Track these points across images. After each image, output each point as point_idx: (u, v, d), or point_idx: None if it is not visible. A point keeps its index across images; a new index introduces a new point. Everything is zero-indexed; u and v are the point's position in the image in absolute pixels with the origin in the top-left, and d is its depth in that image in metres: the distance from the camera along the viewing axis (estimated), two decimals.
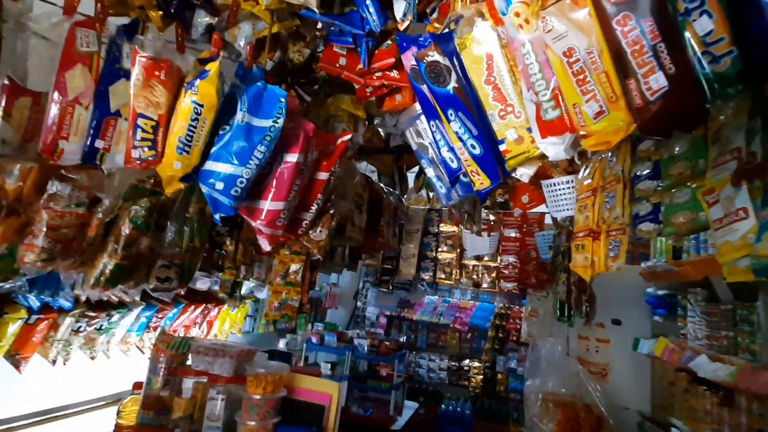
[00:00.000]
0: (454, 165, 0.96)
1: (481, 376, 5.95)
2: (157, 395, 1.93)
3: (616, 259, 1.42)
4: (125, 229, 1.47)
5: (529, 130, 0.85)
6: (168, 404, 1.93)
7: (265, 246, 1.37)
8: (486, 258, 3.24)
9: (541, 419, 2.77)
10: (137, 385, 2.08)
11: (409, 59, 0.97)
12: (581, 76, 0.71)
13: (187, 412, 1.89)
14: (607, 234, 1.46)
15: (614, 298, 3.28)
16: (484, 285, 3.24)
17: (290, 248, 2.33)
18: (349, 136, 1.51)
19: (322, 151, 1.44)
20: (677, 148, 1.13)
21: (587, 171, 1.69)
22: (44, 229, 1.26)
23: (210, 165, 1.17)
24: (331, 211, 1.63)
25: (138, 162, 1.14)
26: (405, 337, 5.14)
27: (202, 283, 3.55)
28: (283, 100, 1.19)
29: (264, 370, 1.80)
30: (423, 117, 1.04)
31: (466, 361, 6.08)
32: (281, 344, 4.74)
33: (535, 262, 3.05)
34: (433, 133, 0.96)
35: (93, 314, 2.82)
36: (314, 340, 4.18)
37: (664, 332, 3.00)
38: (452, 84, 0.85)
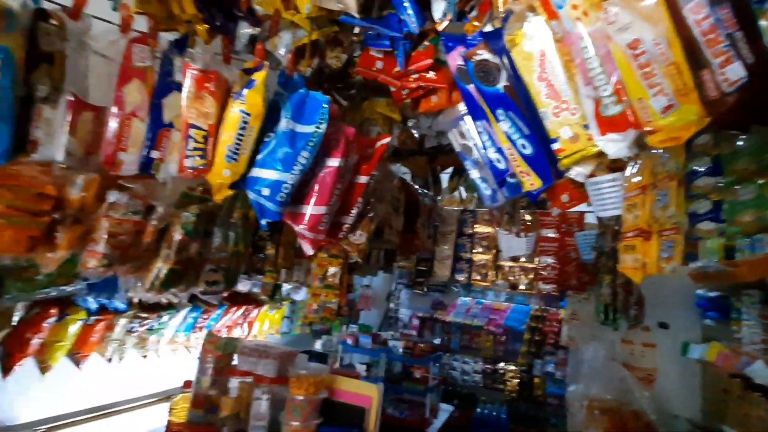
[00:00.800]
0: (502, 166, 0.94)
1: (517, 380, 5.81)
2: (206, 394, 2.01)
3: (669, 260, 1.35)
4: (177, 236, 1.53)
5: (586, 127, 0.82)
6: (216, 403, 2.00)
7: (308, 250, 1.39)
8: (523, 259, 3.16)
9: (586, 426, 2.67)
10: (187, 384, 2.17)
11: (455, 59, 0.96)
12: (647, 69, 0.68)
13: (234, 411, 1.95)
14: (660, 234, 1.39)
15: (661, 300, 3.12)
16: (521, 287, 3.16)
17: (328, 251, 2.37)
18: (387, 140, 1.51)
19: (361, 155, 1.45)
20: (740, 143, 1.06)
21: (635, 168, 1.62)
22: (104, 236, 1.34)
23: (256, 172, 1.20)
24: (370, 215, 1.64)
25: (190, 171, 1.19)
26: (439, 339, 5.09)
27: (243, 286, 3.65)
28: (325, 105, 1.21)
29: (306, 371, 1.83)
30: (467, 118, 1.03)
31: (501, 364, 5.95)
32: (317, 345, 4.81)
33: (575, 263, 2.95)
34: (479, 133, 0.95)
35: (145, 315, 2.98)
36: (349, 341, 4.21)
37: (715, 336, 2.83)
38: (502, 83, 0.83)
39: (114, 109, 1.15)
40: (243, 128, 1.14)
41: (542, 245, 3.02)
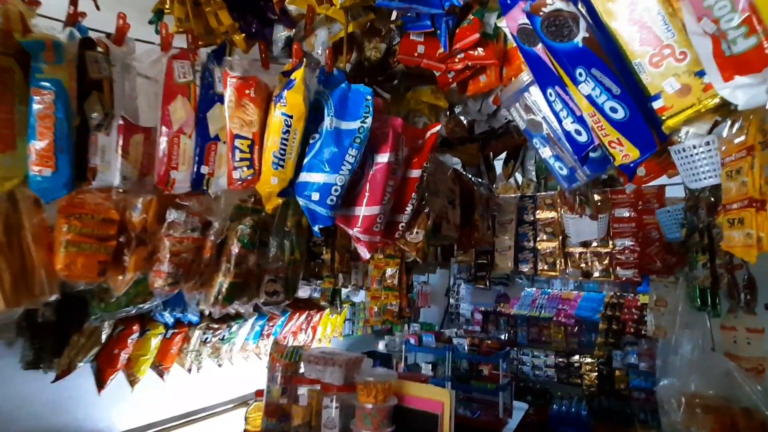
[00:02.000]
0: (583, 138, 0.80)
1: (596, 373, 5.39)
2: (277, 403, 2.02)
3: None
4: (234, 249, 1.53)
5: (700, 74, 0.65)
6: (287, 411, 2.01)
7: (365, 254, 1.32)
8: (594, 244, 2.88)
9: (687, 427, 2.36)
10: (259, 393, 2.21)
11: (516, 18, 0.83)
12: None
13: (305, 419, 1.94)
14: None
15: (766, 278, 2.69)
16: (595, 274, 2.88)
17: (384, 252, 2.30)
18: (438, 128, 1.40)
19: (411, 147, 1.36)
20: None
21: (736, 127, 1.36)
22: (168, 256, 1.36)
23: (304, 176, 1.15)
24: (426, 210, 1.53)
25: (239, 183, 1.16)
26: (505, 334, 4.86)
27: (303, 292, 3.72)
28: (369, 98, 1.13)
29: (372, 378, 1.77)
30: (534, 88, 0.89)
31: (576, 357, 5.56)
32: (380, 346, 4.79)
33: (658, 243, 2.62)
34: (551, 103, 0.81)
35: (216, 326, 3.11)
36: (412, 341, 4.14)
37: None
38: (581, 35, 0.69)
39: (162, 128, 1.15)
40: (286, 132, 1.08)
41: (616, 227, 2.72)
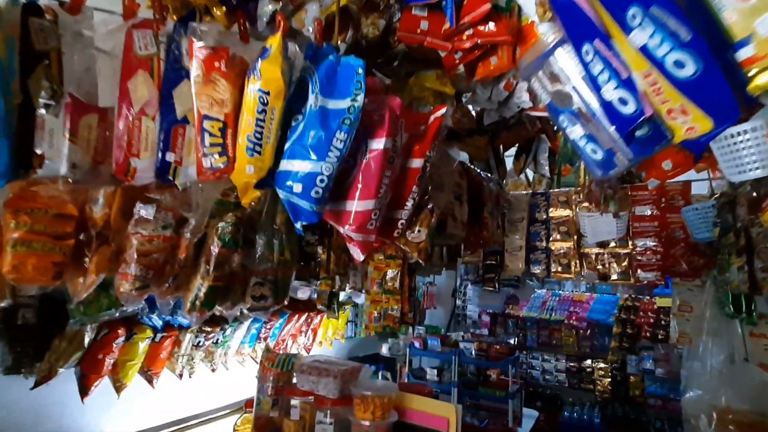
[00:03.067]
0: (629, 108, 0.61)
1: (609, 379, 5.19)
2: (267, 416, 1.86)
3: None
4: (214, 248, 1.37)
5: None
6: (279, 425, 1.85)
7: (358, 256, 1.15)
8: (612, 244, 2.68)
9: None
10: (249, 403, 2.05)
11: None
12: None
13: None
14: None
15: None
16: (613, 276, 2.68)
17: (384, 252, 2.13)
18: (443, 110, 1.22)
19: (412, 133, 1.18)
20: None
21: None
22: (135, 256, 1.20)
23: (285, 165, 0.98)
24: (430, 206, 1.35)
25: (210, 172, 1.00)
26: (515, 338, 4.66)
27: (302, 293, 3.56)
28: (360, 71, 0.95)
29: (370, 392, 1.60)
30: (561, 50, 0.72)
31: (588, 362, 5.35)
32: (384, 349, 4.63)
33: (683, 244, 2.42)
34: (586, 65, 0.63)
35: (209, 329, 2.96)
36: (417, 344, 3.96)
37: None
38: None
39: (120, 109, 0.98)
40: (263, 111, 0.91)
41: (637, 226, 2.52)
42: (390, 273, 2.04)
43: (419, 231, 1.36)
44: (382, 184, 1.08)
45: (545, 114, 2.01)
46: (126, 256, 1.21)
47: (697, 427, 2.52)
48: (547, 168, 2.70)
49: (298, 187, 0.96)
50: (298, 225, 1.01)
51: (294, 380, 1.89)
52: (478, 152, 2.55)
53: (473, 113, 2.39)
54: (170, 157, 1.02)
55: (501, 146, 2.79)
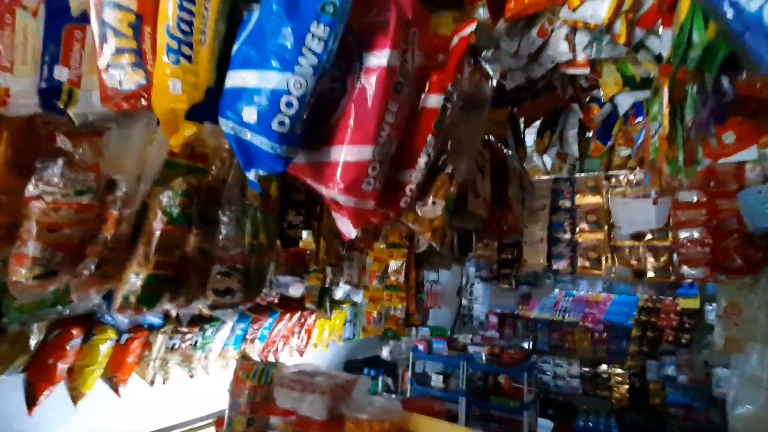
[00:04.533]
0: None
1: (627, 386, 4.81)
2: None
3: None
4: (158, 225, 1.02)
5: None
6: None
7: (349, 230, 0.79)
8: (649, 236, 2.31)
9: None
10: (219, 422, 1.70)
11: None
12: None
13: None
14: None
15: None
16: (650, 273, 2.32)
17: (386, 240, 1.78)
18: (471, 28, 0.86)
19: (427, 57, 0.82)
20: None
21: None
22: (35, 230, 0.85)
23: (232, 79, 0.62)
24: (449, 170, 1.00)
25: (120, 95, 0.64)
26: (529, 342, 4.29)
27: (294, 290, 3.20)
28: None
29: (366, 415, 1.25)
30: None
31: (604, 367, 4.98)
32: (384, 352, 4.27)
33: (736, 235, 2.05)
34: None
35: (186, 330, 2.61)
36: (421, 347, 3.61)
37: None
38: None
39: None
40: None
41: (680, 214, 2.16)
42: (393, 264, 1.69)
43: (434, 203, 1.00)
44: (384, 122, 0.72)
45: (585, 70, 1.64)
46: (22, 231, 0.85)
47: None
48: (575, 147, 2.33)
49: (251, 114, 0.60)
50: (251, 175, 0.65)
51: (275, 396, 1.54)
52: (495, 129, 2.18)
53: (492, 80, 2.03)
54: (61, 73, 0.66)
55: (522, 123, 2.42)
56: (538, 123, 2.36)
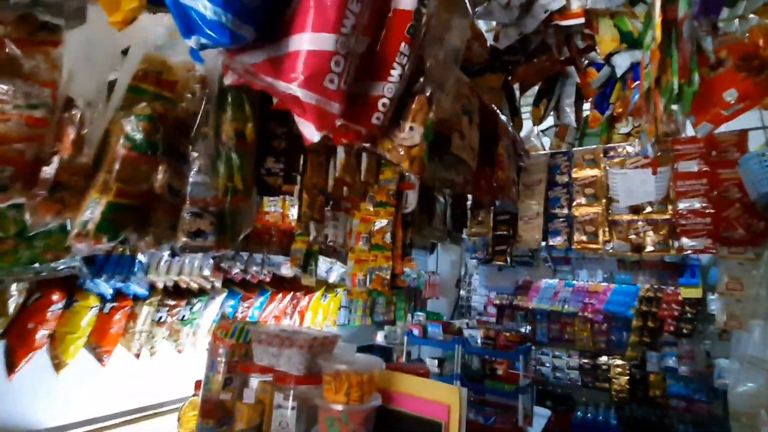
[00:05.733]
0: None
1: (627, 377, 4.73)
2: (216, 399, 1.45)
3: None
4: (120, 150, 0.96)
5: None
6: (230, 410, 1.44)
7: (310, 133, 0.73)
8: (648, 209, 2.24)
9: None
10: (198, 384, 1.65)
11: None
12: None
13: (253, 422, 1.37)
14: None
15: None
16: (649, 248, 2.25)
17: (372, 200, 1.72)
18: None
19: None
20: None
21: None
22: None
23: None
24: (428, 93, 0.94)
25: None
26: (526, 326, 4.22)
27: (287, 269, 3.16)
28: None
29: (346, 366, 1.19)
30: None
31: (604, 358, 4.90)
32: (379, 337, 4.22)
33: (738, 204, 1.98)
34: None
35: (173, 303, 2.56)
36: (416, 331, 3.54)
37: None
38: None
39: None
40: None
41: (680, 185, 2.09)
42: (379, 224, 1.63)
43: (411, 129, 0.94)
44: (347, 9, 0.66)
45: (579, 21, 1.58)
46: None
47: (749, 426, 2.09)
48: (572, 116, 2.27)
49: None
50: (192, 42, 0.59)
51: (253, 352, 1.48)
52: (491, 96, 2.12)
53: (486, 41, 1.97)
54: None
55: (516, 92, 2.36)
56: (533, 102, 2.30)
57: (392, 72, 0.82)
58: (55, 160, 0.89)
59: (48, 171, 0.88)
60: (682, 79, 0.90)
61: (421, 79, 0.94)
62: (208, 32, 0.57)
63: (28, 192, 0.87)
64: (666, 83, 0.91)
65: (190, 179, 1.14)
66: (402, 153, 0.96)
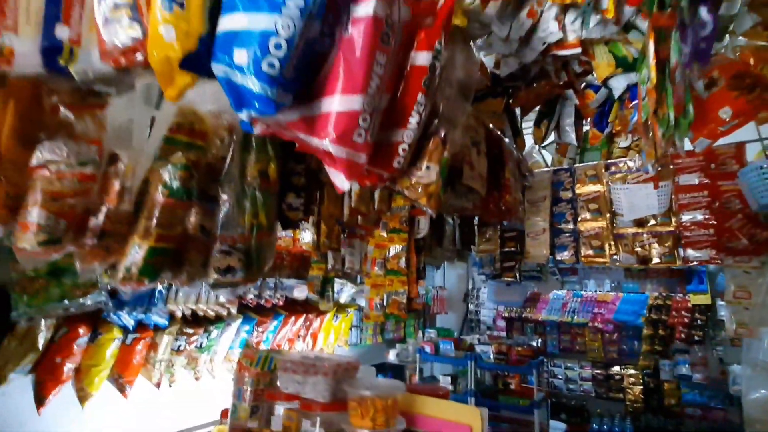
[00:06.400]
0: None
1: (641, 387, 4.70)
2: (244, 427, 1.50)
3: None
4: (159, 198, 1.04)
5: None
6: None
7: (341, 183, 0.81)
8: (652, 222, 2.30)
9: None
10: (225, 413, 1.69)
11: None
12: None
13: None
14: None
15: None
16: (655, 259, 2.30)
17: (386, 227, 1.79)
18: None
19: (415, 14, 0.85)
20: None
21: None
22: (39, 198, 0.87)
23: (223, 24, 0.65)
24: (441, 134, 1.02)
25: (117, 50, 0.67)
26: (537, 341, 4.24)
27: (299, 292, 3.22)
28: None
29: (370, 392, 1.24)
30: None
31: (616, 368, 4.88)
32: (391, 356, 4.23)
33: (740, 215, 2.04)
34: None
35: (191, 331, 2.62)
36: (428, 349, 3.57)
37: None
38: None
39: None
40: None
41: (682, 197, 2.15)
42: (393, 249, 1.70)
43: (428, 168, 1.02)
44: (373, 72, 0.74)
45: (576, 51, 1.67)
46: (27, 200, 0.88)
47: None
48: (573, 135, 2.36)
49: (241, 57, 0.63)
50: (243, 115, 0.67)
51: (278, 382, 1.53)
52: (493, 120, 2.21)
53: (487, 68, 2.07)
54: (62, 32, 0.70)
55: (518, 113, 2.45)
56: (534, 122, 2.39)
57: (410, 120, 0.90)
58: (103, 210, 0.97)
59: (96, 221, 0.96)
60: (678, 114, 0.97)
61: (435, 121, 1.02)
62: (257, 105, 0.65)
63: (78, 242, 0.95)
64: (663, 115, 0.99)
65: (220, 218, 1.22)
66: (420, 190, 1.03)
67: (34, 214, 0.87)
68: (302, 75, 0.72)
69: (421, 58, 0.86)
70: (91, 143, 0.94)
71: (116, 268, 1.02)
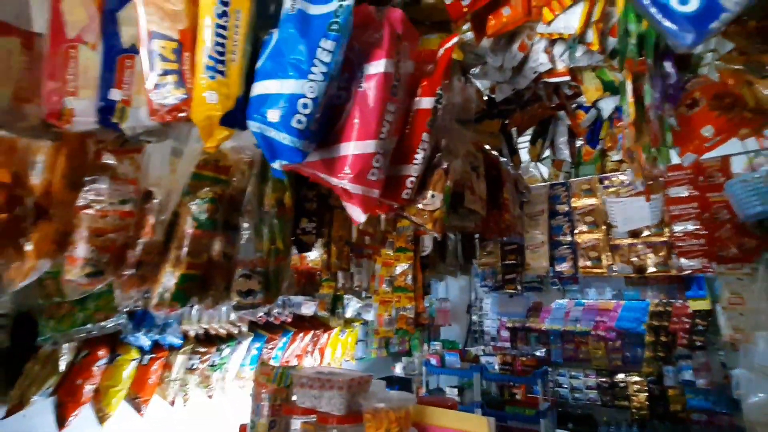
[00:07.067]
0: None
1: (646, 394, 4.73)
2: None
3: None
4: (188, 229, 1.14)
5: None
6: None
7: (358, 216, 0.91)
8: (646, 232, 2.40)
9: None
10: (243, 429, 1.76)
11: None
12: None
13: None
14: None
15: None
16: (651, 269, 2.39)
17: (392, 246, 1.88)
18: (454, 40, 1.02)
19: (418, 66, 0.96)
20: None
21: None
22: (86, 235, 0.97)
23: (257, 89, 0.76)
24: (444, 165, 1.12)
25: (164, 109, 0.78)
26: (542, 350, 4.29)
27: (306, 308, 3.30)
28: None
29: (384, 404, 1.32)
30: None
31: (621, 376, 4.91)
32: (398, 369, 4.28)
33: (729, 225, 2.14)
34: None
35: (203, 350, 2.69)
36: (433, 361, 3.63)
37: None
38: None
39: (52, 35, 0.78)
40: (223, 15, 0.71)
41: (673, 209, 2.25)
42: (400, 268, 1.79)
43: (433, 196, 1.12)
44: (384, 120, 0.85)
45: (565, 78, 1.79)
46: (75, 236, 0.98)
47: None
48: (566, 152, 2.47)
49: (274, 115, 0.73)
50: (276, 165, 0.78)
51: (294, 397, 1.61)
52: (490, 139, 2.33)
53: (482, 93, 2.19)
54: (115, 94, 0.81)
55: (514, 133, 2.57)
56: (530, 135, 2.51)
57: (416, 156, 1.01)
58: (141, 243, 1.07)
59: (134, 254, 1.06)
60: (656, 146, 1.08)
61: (438, 155, 1.13)
62: (288, 156, 0.75)
63: (118, 272, 1.04)
64: (644, 144, 1.09)
65: (241, 245, 1.31)
66: (426, 216, 1.13)
67: (81, 249, 0.97)
68: (323, 126, 0.82)
69: (425, 102, 0.97)
70: (129, 182, 1.05)
71: (150, 295, 1.12)
